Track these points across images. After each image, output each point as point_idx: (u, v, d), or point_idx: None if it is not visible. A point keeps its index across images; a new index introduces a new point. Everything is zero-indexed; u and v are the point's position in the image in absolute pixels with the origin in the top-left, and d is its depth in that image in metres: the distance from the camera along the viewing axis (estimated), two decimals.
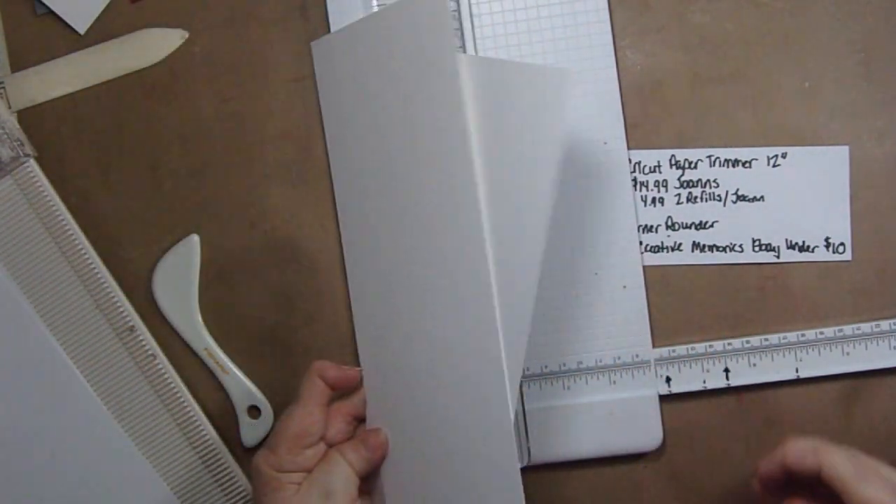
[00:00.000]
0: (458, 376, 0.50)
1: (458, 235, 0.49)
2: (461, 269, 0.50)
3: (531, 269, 0.48)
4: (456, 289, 0.50)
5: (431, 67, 0.49)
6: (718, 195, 0.58)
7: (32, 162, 0.60)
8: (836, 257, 0.57)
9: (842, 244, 0.57)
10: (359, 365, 0.56)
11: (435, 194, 0.50)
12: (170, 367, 0.60)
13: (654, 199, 0.58)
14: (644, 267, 0.58)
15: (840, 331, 0.57)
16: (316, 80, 0.58)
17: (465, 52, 0.58)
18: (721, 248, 0.58)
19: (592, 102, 0.58)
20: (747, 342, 0.57)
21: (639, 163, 0.58)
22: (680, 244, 0.58)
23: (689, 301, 0.58)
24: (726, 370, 0.58)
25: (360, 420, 0.55)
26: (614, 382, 0.58)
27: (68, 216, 0.60)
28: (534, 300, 0.48)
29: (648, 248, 0.59)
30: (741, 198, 0.58)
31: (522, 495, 0.48)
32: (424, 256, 0.51)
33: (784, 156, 0.58)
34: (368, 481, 0.54)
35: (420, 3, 0.49)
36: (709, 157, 0.58)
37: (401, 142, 0.52)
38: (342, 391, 0.54)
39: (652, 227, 0.59)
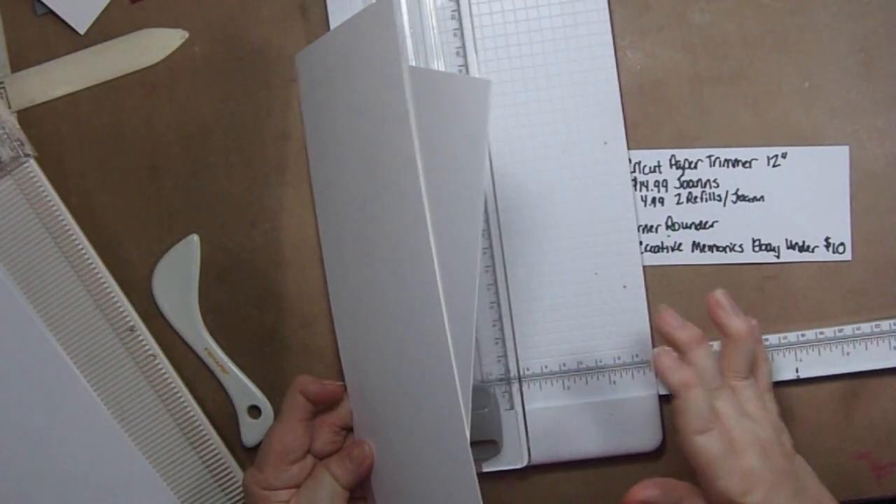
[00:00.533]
0: (420, 384, 0.50)
1: (410, 252, 0.50)
2: (414, 284, 0.50)
3: (470, 278, 0.47)
4: (411, 301, 0.50)
5: (383, 76, 0.49)
6: (718, 195, 0.58)
7: (32, 162, 0.60)
8: (836, 257, 0.57)
9: (842, 244, 0.57)
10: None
11: (390, 206, 0.51)
12: (170, 367, 0.60)
13: (654, 199, 0.58)
14: (644, 267, 0.58)
15: (840, 331, 0.57)
16: (299, 92, 0.58)
17: (465, 53, 0.58)
18: (721, 248, 0.58)
19: (592, 102, 0.58)
20: None
21: (639, 163, 0.58)
22: (680, 244, 0.58)
23: (689, 301, 0.58)
24: None
25: (348, 429, 0.55)
26: (614, 382, 0.58)
27: (68, 216, 0.60)
28: (475, 308, 0.47)
29: (648, 248, 0.59)
30: (741, 198, 0.58)
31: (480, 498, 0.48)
32: (385, 269, 0.52)
33: (784, 156, 0.58)
34: (362, 487, 0.54)
35: (372, 16, 0.50)
36: (709, 157, 0.58)
37: (362, 154, 0.52)
38: (324, 405, 0.54)
39: (652, 227, 0.59)
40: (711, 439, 0.48)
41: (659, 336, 0.51)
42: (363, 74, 0.51)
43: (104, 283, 0.60)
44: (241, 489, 0.60)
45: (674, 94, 0.58)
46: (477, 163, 0.46)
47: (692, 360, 0.50)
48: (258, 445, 0.60)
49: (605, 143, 0.58)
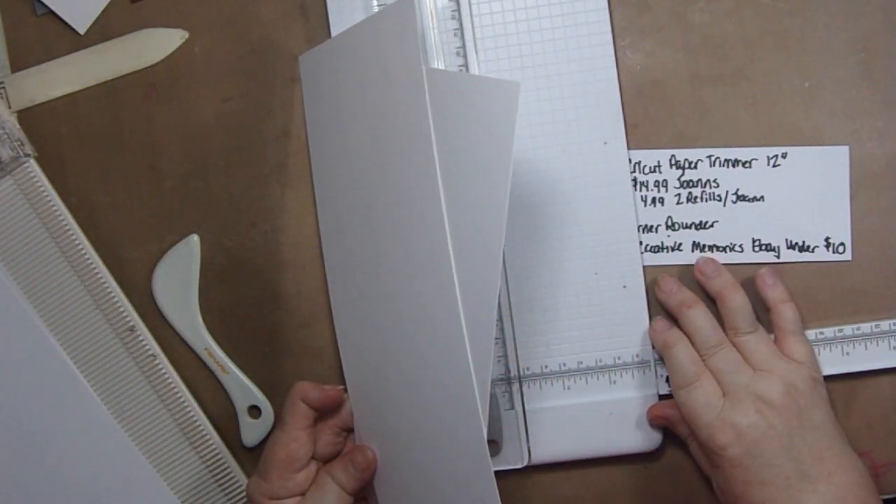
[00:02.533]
0: (433, 387, 0.50)
1: (426, 253, 0.49)
2: (429, 285, 0.50)
3: (492, 280, 0.47)
4: (424, 302, 0.50)
5: (400, 79, 0.49)
6: (718, 195, 0.58)
7: (32, 162, 0.60)
8: (836, 257, 0.57)
9: (842, 244, 0.57)
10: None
11: (404, 207, 0.50)
12: (170, 367, 0.60)
13: (654, 199, 0.58)
14: (644, 267, 0.58)
15: (840, 331, 0.57)
16: (303, 94, 0.58)
17: (465, 53, 0.58)
18: (721, 248, 0.58)
19: (592, 102, 0.58)
20: None
21: (639, 163, 0.58)
22: (680, 244, 0.58)
23: None
24: None
25: (349, 430, 0.55)
26: (614, 382, 0.58)
27: (68, 216, 0.60)
28: (495, 311, 0.47)
29: (648, 248, 0.59)
30: (741, 198, 0.58)
31: (498, 499, 0.48)
32: (396, 270, 0.51)
33: (784, 156, 0.58)
34: (364, 489, 0.54)
35: (390, 18, 0.50)
36: (709, 157, 0.58)
37: (374, 156, 0.52)
38: (326, 411, 0.54)
39: (652, 227, 0.59)
40: (693, 393, 0.52)
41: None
42: (377, 77, 0.51)
43: (104, 283, 0.60)
44: (241, 489, 0.60)
45: (674, 94, 0.58)
46: (503, 165, 0.46)
47: (685, 324, 0.54)
48: (258, 445, 0.61)
49: (605, 143, 0.58)
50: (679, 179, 0.58)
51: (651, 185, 0.58)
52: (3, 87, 0.61)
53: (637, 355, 0.58)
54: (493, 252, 0.47)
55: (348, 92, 0.53)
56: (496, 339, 0.58)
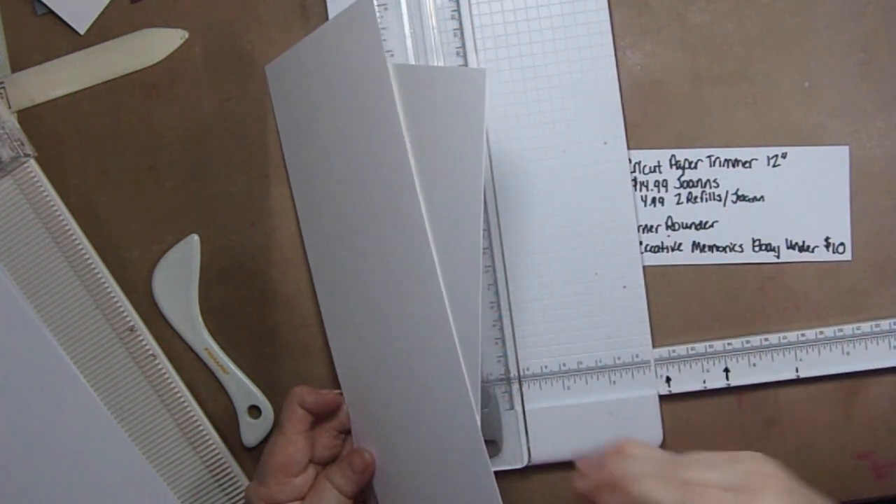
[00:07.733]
0: (424, 383, 0.50)
1: (406, 248, 0.50)
2: (413, 280, 0.50)
3: (473, 273, 0.47)
4: (410, 299, 0.50)
5: (367, 78, 0.50)
6: (718, 195, 0.58)
7: (32, 162, 0.60)
8: (836, 257, 0.57)
9: (842, 244, 0.57)
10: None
11: (382, 205, 0.51)
12: (170, 367, 0.60)
13: (654, 199, 0.58)
14: (644, 267, 0.58)
15: (840, 331, 0.57)
16: (272, 103, 0.58)
17: (465, 52, 0.58)
18: (721, 248, 0.58)
19: (592, 102, 0.58)
20: (747, 342, 0.57)
21: (639, 163, 0.58)
22: (680, 244, 0.58)
23: (689, 301, 0.58)
24: (726, 370, 0.58)
25: (347, 432, 0.55)
26: (614, 382, 0.58)
27: (68, 216, 0.60)
28: (479, 305, 0.48)
29: (648, 248, 0.59)
30: (741, 198, 0.58)
31: (498, 495, 0.48)
32: (378, 268, 0.52)
33: (784, 156, 0.58)
34: (363, 492, 0.54)
35: (351, 18, 0.50)
36: (709, 157, 0.58)
37: (348, 157, 0.52)
38: (323, 415, 0.54)
39: (652, 227, 0.59)
40: None
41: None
42: (345, 78, 0.51)
43: (104, 283, 0.60)
44: (241, 489, 0.60)
45: (674, 94, 0.58)
46: (476, 153, 0.47)
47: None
48: (258, 445, 0.61)
49: (605, 143, 0.58)
50: (679, 179, 0.58)
51: (651, 185, 0.58)
52: (3, 87, 0.61)
53: (637, 355, 0.58)
54: (473, 240, 0.47)
55: (318, 96, 0.54)
56: (496, 339, 0.58)
